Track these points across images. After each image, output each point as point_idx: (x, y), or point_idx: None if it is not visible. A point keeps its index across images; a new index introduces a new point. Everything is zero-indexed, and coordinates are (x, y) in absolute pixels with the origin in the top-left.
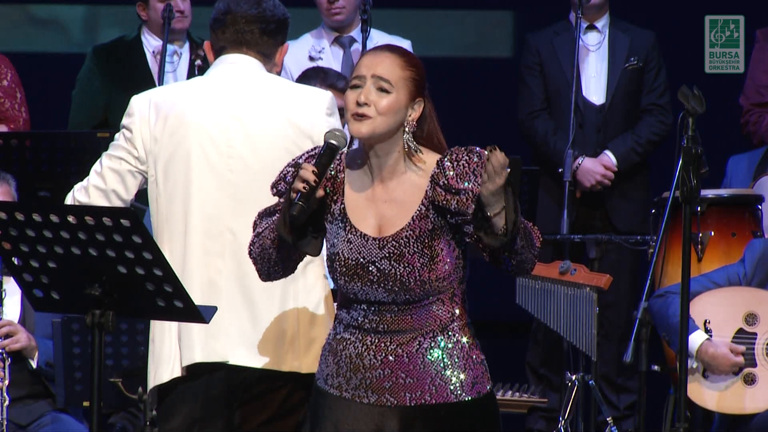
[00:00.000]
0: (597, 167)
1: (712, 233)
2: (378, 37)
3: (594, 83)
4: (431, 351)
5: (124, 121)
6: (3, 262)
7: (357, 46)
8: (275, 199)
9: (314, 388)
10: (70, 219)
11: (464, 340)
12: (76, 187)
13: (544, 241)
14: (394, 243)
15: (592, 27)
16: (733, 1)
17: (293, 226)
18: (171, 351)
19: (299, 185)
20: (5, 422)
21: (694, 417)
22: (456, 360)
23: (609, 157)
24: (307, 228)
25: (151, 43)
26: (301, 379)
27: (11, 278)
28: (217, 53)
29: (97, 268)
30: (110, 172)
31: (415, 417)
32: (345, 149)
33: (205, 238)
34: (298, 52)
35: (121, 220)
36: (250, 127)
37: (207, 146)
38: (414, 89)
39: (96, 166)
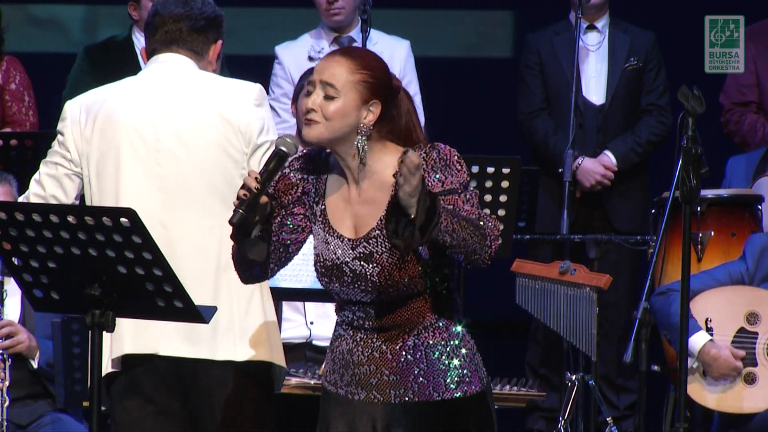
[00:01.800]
0: (597, 167)
1: (712, 233)
2: (377, 38)
3: (594, 83)
4: (414, 348)
5: (58, 125)
6: (3, 262)
7: (356, 46)
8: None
9: (322, 387)
10: (70, 219)
11: (451, 338)
12: (20, 198)
13: (543, 241)
14: (365, 243)
15: (592, 27)
16: (733, 1)
17: (240, 232)
18: (105, 347)
19: (240, 192)
20: (5, 422)
21: (694, 417)
22: (441, 358)
23: (609, 157)
24: (252, 233)
25: (142, 42)
26: (239, 366)
27: (12, 278)
28: (150, 55)
29: (97, 268)
30: (48, 178)
31: (398, 415)
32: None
33: None
34: (298, 52)
35: (121, 220)
36: (179, 120)
37: (135, 142)
38: (367, 92)
39: (36, 175)
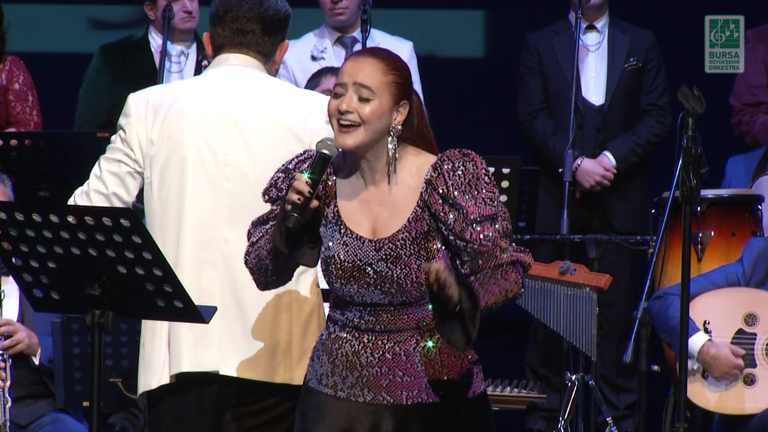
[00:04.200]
0: (596, 168)
1: (712, 233)
2: (379, 38)
3: (593, 83)
4: (428, 350)
5: (121, 121)
6: (3, 262)
7: (359, 47)
8: (270, 207)
9: (304, 389)
10: (70, 219)
11: None
12: (77, 192)
13: (544, 241)
14: (391, 245)
15: (591, 27)
16: (733, 1)
17: (289, 238)
18: (161, 357)
19: (294, 197)
20: (8, 423)
21: (693, 417)
22: (452, 359)
23: (608, 158)
24: (302, 238)
25: (157, 42)
26: (292, 389)
27: (9, 279)
28: (217, 50)
29: (97, 268)
30: (110, 175)
31: (411, 416)
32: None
33: (198, 247)
34: (301, 51)
35: (121, 220)
36: (249, 134)
37: (204, 152)
38: (397, 93)
39: (95, 170)
